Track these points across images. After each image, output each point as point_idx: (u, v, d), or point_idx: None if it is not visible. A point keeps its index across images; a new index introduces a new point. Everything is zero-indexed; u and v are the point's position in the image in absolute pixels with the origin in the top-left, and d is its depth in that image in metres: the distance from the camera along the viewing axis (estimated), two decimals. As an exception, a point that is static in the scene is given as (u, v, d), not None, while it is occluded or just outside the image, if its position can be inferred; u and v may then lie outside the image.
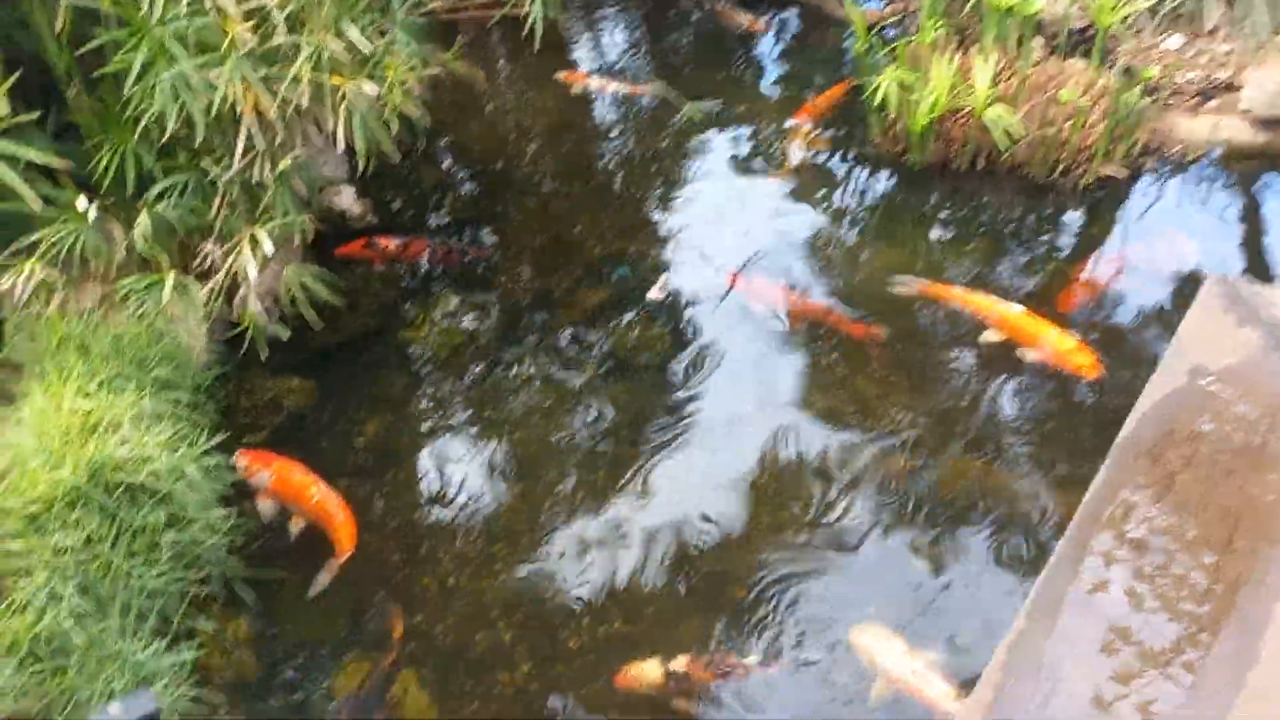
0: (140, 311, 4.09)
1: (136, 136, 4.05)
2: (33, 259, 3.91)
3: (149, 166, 4.26)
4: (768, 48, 7.48)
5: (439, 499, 4.55)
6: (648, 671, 3.69)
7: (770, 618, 4.00)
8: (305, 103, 3.83)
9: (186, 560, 3.65)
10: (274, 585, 3.97)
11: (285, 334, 4.53)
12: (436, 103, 6.89)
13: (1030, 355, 4.87)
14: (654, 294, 5.31)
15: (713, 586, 4.14)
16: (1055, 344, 4.81)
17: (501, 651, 3.97)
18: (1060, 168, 5.83)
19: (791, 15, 7.68)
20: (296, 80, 3.78)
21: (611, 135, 6.80)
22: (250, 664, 3.71)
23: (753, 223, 5.92)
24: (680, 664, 3.69)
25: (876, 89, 5.85)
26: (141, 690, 2.70)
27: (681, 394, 4.94)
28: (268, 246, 4.15)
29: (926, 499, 4.41)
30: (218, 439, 4.01)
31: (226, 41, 3.74)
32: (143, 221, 4.14)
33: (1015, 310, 5.01)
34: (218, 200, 4.24)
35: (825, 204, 6.06)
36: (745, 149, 6.53)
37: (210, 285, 4.34)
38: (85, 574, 3.29)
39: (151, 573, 3.47)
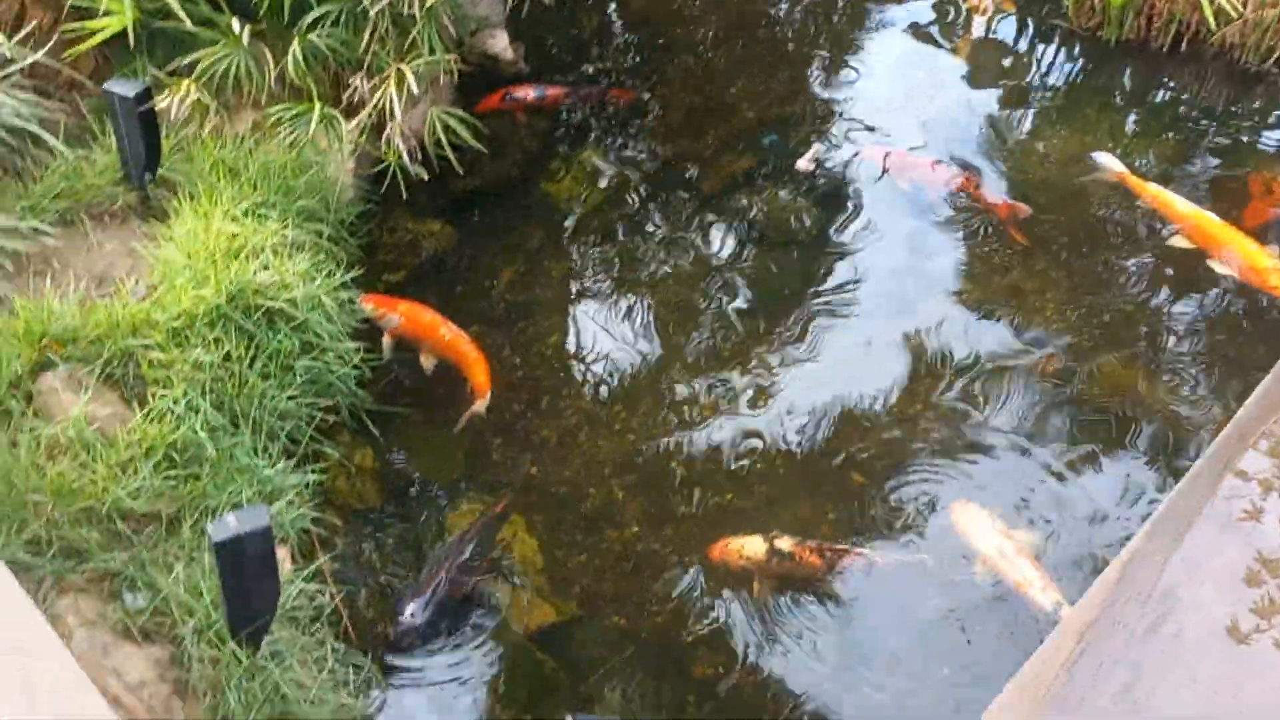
0: (289, 140, 4.12)
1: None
2: (189, 80, 3.97)
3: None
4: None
5: (566, 354, 4.54)
6: (749, 546, 3.64)
7: (889, 510, 3.88)
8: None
9: (318, 387, 3.75)
10: (399, 420, 4.05)
11: (426, 175, 4.50)
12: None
13: (1221, 269, 4.41)
14: (803, 164, 5.07)
15: (835, 471, 4.03)
16: (1253, 260, 4.34)
17: (612, 509, 3.99)
18: (1277, 54, 5.22)
19: None
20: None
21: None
22: (371, 492, 3.83)
23: (922, 95, 5.57)
24: (786, 544, 3.62)
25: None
26: (258, 505, 2.80)
27: (822, 271, 4.75)
28: (413, 84, 4.10)
29: (1072, 403, 4.16)
30: (354, 273, 4.07)
31: None
32: (295, 49, 4.14)
33: (1213, 218, 4.51)
34: (368, 32, 4.20)
35: (1006, 79, 5.64)
36: (925, 14, 6.10)
37: (357, 119, 4.35)
38: (221, 390, 3.42)
39: (284, 395, 3.59)
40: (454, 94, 5.43)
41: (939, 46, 5.95)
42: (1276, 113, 5.27)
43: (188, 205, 3.93)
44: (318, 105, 4.10)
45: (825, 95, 5.74)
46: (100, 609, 2.90)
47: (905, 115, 5.46)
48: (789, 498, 3.95)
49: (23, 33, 4.14)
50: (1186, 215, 4.56)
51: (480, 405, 4.13)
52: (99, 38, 3.95)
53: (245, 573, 2.59)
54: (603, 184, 5.23)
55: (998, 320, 4.48)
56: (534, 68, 5.79)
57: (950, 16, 6.09)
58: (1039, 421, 4.09)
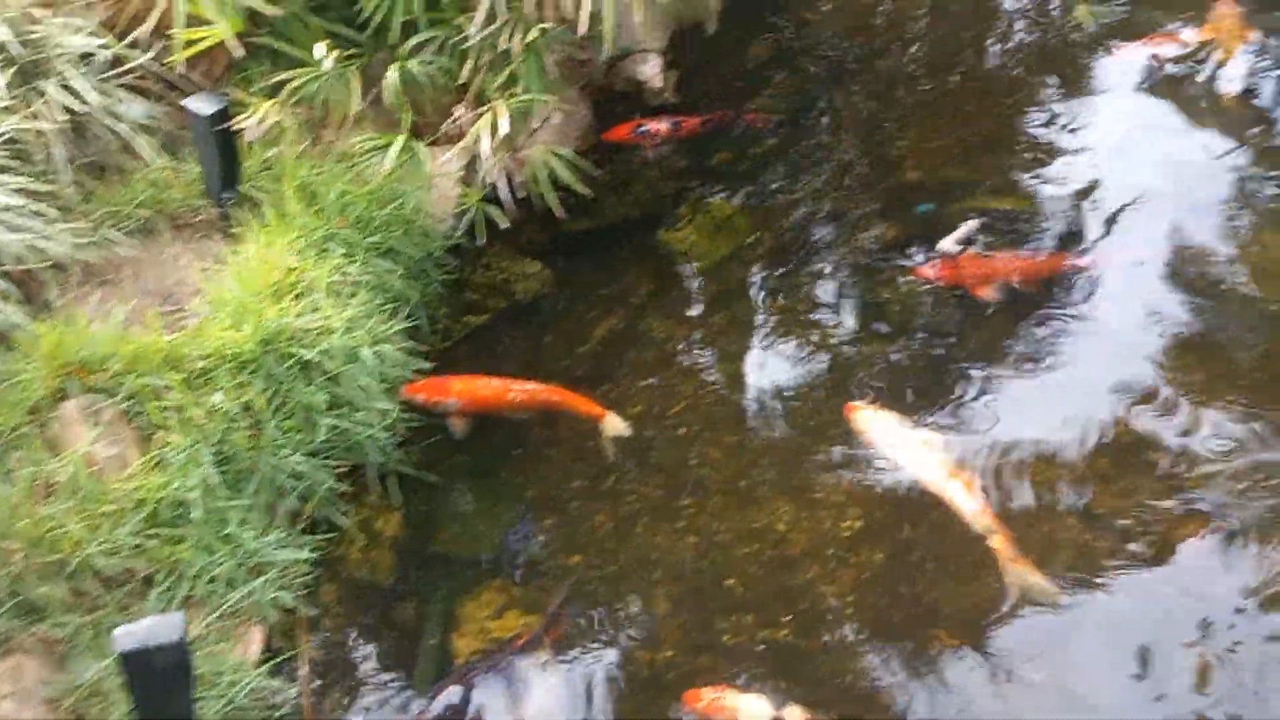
0: (370, 169, 3.89)
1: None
2: (271, 101, 3.79)
3: (416, 14, 3.97)
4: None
5: (645, 428, 4.10)
6: (746, 708, 3.10)
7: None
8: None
9: (346, 445, 3.49)
10: (435, 488, 3.75)
11: (505, 222, 4.16)
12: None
13: None
14: (946, 244, 4.41)
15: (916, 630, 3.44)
16: None
17: (650, 623, 3.55)
18: None
19: None
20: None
21: (982, 32, 5.75)
22: (385, 564, 3.54)
23: (1106, 176, 4.78)
24: (795, 714, 3.07)
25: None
26: (175, 614, 2.53)
27: (944, 375, 4.10)
28: (504, 123, 3.77)
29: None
30: (412, 322, 3.78)
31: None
32: (391, 75, 3.89)
33: None
34: (469, 64, 3.90)
35: (1223, 171, 4.75)
36: (1146, 70, 5.27)
37: (453, 150, 4.06)
38: (230, 444, 3.20)
39: (301, 453, 3.34)
40: (591, 121, 5.10)
41: (1159, 104, 5.13)
42: None
43: (256, 231, 3.75)
44: (400, 137, 3.83)
45: (1004, 160, 5.04)
46: (43, 676, 2.72)
47: (1089, 187, 4.72)
48: (851, 651, 3.40)
49: (138, 31, 4.06)
50: None
51: (611, 427, 3.87)
52: (195, 49, 3.82)
53: (153, 686, 2.34)
54: (728, 239, 4.76)
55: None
56: (685, 98, 5.38)
57: (1185, 74, 5.25)
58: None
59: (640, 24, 4.08)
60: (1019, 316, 4.23)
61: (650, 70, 5.25)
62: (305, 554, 3.22)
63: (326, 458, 3.43)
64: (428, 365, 3.86)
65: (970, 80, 5.43)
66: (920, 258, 4.45)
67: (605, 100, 5.27)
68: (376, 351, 3.49)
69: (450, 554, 3.66)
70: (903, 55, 5.63)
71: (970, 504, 3.53)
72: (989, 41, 5.67)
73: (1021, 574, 3.37)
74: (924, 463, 3.68)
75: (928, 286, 4.37)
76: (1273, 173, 4.75)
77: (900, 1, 6.01)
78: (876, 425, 3.82)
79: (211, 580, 2.98)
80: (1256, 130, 4.89)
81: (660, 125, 5.02)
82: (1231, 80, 5.11)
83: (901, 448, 3.73)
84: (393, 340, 3.62)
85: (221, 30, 3.71)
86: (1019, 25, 5.76)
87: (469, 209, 4.14)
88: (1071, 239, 4.53)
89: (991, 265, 4.30)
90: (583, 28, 3.61)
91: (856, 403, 3.93)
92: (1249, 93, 5.05)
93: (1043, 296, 4.27)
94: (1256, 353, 4.04)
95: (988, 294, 4.19)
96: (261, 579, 3.04)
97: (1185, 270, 4.36)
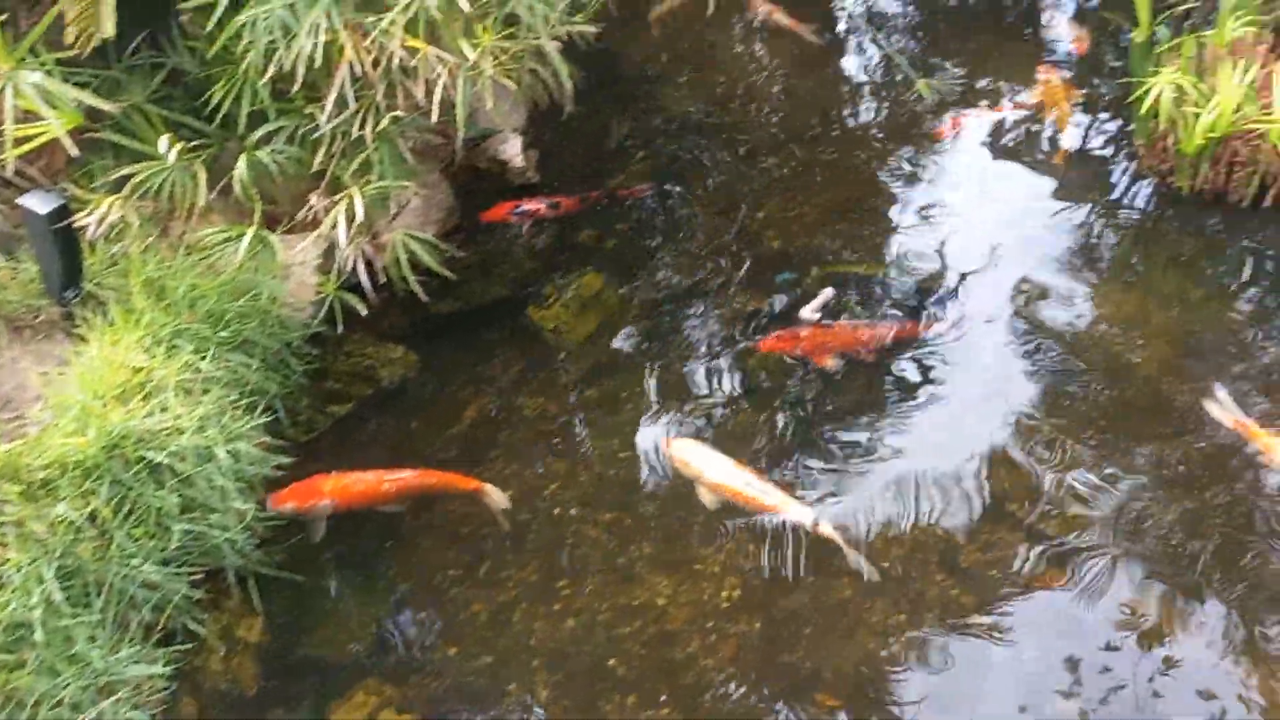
0: (220, 262, 3.78)
1: (246, 75, 3.71)
2: (114, 196, 3.67)
3: (264, 104, 3.92)
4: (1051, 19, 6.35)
5: (520, 510, 4.04)
6: None
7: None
8: (397, 62, 3.34)
9: (202, 549, 3.34)
10: (301, 588, 3.61)
11: (363, 309, 4.10)
12: (657, 41, 6.35)
13: None
14: (807, 312, 4.53)
15: (791, 689, 3.44)
16: None
17: (530, 713, 3.46)
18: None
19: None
20: (387, 34, 3.28)
21: (832, 105, 5.96)
22: (249, 673, 3.38)
23: (956, 234, 4.99)
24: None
25: (1145, 93, 4.72)
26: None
27: (810, 441, 4.16)
28: (359, 210, 3.72)
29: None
30: (265, 418, 3.65)
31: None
32: (240, 166, 3.81)
33: None
34: (321, 152, 3.85)
35: (1062, 225, 5.00)
36: (987, 134, 5.54)
37: (310, 238, 3.99)
38: (75, 556, 3.02)
39: (152, 562, 3.17)
40: (453, 202, 5.09)
41: (993, 171, 5.39)
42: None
43: (100, 330, 3.59)
44: (251, 228, 3.75)
45: (860, 228, 5.21)
46: None
47: (924, 253, 4.91)
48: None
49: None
50: None
51: (491, 498, 3.90)
52: (28, 146, 3.67)
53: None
54: (597, 314, 4.77)
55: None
56: (548, 177, 5.42)
57: (1017, 143, 5.53)
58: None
59: (494, 109, 4.12)
60: (879, 380, 4.34)
61: (512, 150, 5.28)
62: (160, 668, 3.04)
63: (181, 564, 3.27)
64: (288, 460, 3.73)
65: (824, 150, 5.61)
66: (780, 326, 4.54)
67: (468, 180, 5.28)
68: (231, 450, 3.36)
69: (319, 656, 3.52)
70: (760, 129, 5.79)
71: (785, 499, 3.77)
72: (839, 113, 5.89)
73: (855, 556, 3.62)
74: (737, 477, 3.86)
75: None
76: (1108, 226, 5.03)
77: (755, 78, 6.20)
78: (692, 454, 3.98)
79: (56, 705, 2.78)
80: (1090, 186, 5.17)
81: (539, 205, 5.06)
82: (1064, 140, 5.41)
83: (716, 469, 3.90)
84: (250, 436, 3.49)
85: (54, 128, 3.58)
86: (866, 98, 6.00)
87: (328, 297, 4.06)
88: (925, 300, 4.69)
89: (829, 335, 4.42)
90: (435, 115, 3.60)
91: (672, 437, 4.10)
92: (1082, 151, 5.35)
93: (898, 359, 4.40)
94: (1105, 399, 4.22)
95: (829, 363, 4.30)
96: (112, 699, 2.86)
97: (1033, 324, 4.55)
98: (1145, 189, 5.07)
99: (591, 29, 4.21)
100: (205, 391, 3.53)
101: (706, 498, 3.88)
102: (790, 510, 3.78)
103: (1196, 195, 4.90)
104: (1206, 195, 4.88)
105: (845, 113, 5.91)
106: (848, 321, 4.52)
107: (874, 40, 6.43)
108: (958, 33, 6.35)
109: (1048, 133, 5.49)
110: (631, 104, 5.97)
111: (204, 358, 3.60)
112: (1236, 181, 4.78)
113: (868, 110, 5.93)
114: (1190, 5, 5.50)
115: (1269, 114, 4.42)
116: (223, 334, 3.72)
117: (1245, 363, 4.25)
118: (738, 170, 5.52)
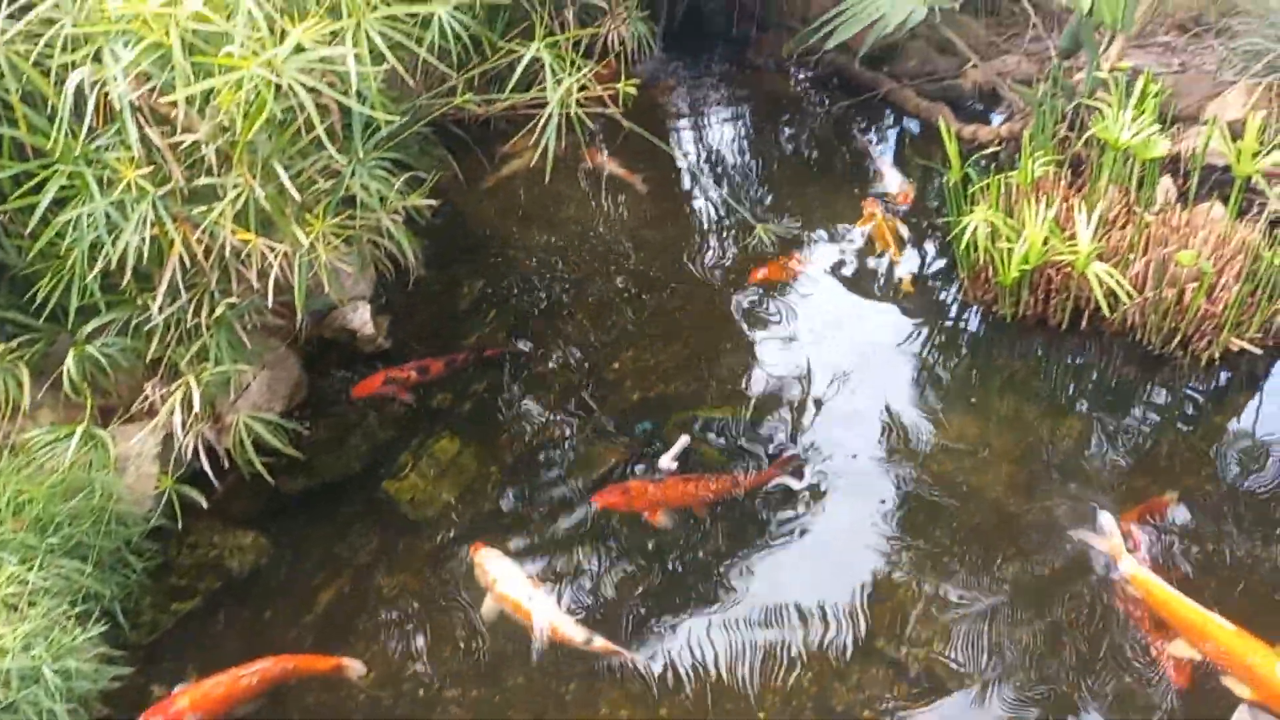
0: (50, 462, 3.61)
1: (73, 270, 3.61)
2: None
3: (94, 298, 3.82)
4: (877, 161, 6.76)
5: (381, 693, 3.88)
6: None
7: None
8: (229, 250, 3.32)
9: (30, 783, 3.08)
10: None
11: (203, 500, 3.97)
12: (507, 199, 6.48)
13: (1242, 691, 3.50)
14: (664, 462, 4.58)
15: None
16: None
17: None
18: (1179, 338, 4.85)
19: (913, 126, 7.08)
20: (216, 226, 3.27)
21: (680, 253, 6.15)
22: None
23: (806, 372, 5.15)
24: None
25: (962, 230, 5.03)
26: None
27: (674, 597, 4.15)
28: (195, 397, 3.63)
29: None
30: (100, 628, 3.44)
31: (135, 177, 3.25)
32: (69, 362, 3.68)
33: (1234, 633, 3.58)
34: (156, 340, 3.76)
35: (904, 357, 5.22)
36: (829, 270, 5.80)
37: (146, 429, 3.86)
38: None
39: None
40: (301, 375, 5.00)
41: (833, 311, 5.62)
42: (1181, 397, 4.82)
43: (-89, 549, 3.36)
44: (81, 425, 3.61)
45: (715, 371, 5.33)
46: None
47: (768, 395, 5.05)
48: None
49: None
50: (1196, 627, 3.64)
51: (351, 670, 3.85)
52: None
53: None
54: (455, 481, 4.70)
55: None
56: (400, 341, 5.40)
57: (855, 279, 5.79)
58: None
59: (333, 286, 4.11)
60: (738, 528, 4.38)
61: (360, 319, 5.26)
62: None
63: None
64: (128, 670, 3.50)
65: (674, 298, 5.76)
66: (634, 477, 4.57)
67: (318, 351, 5.23)
68: (60, 668, 3.14)
69: None
70: (610, 279, 5.92)
71: (562, 619, 3.92)
72: (686, 260, 6.07)
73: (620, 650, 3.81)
74: (523, 592, 4.02)
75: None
76: (946, 354, 5.27)
77: (603, 230, 6.38)
78: (493, 563, 4.13)
79: None
80: (926, 317, 5.43)
81: (408, 372, 5.03)
82: (899, 276, 5.69)
83: (507, 581, 4.06)
84: (82, 650, 3.27)
85: None
86: (711, 244, 6.22)
87: (188, 476, 3.91)
88: (779, 439, 4.79)
89: (658, 491, 4.43)
90: (270, 299, 3.57)
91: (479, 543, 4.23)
92: (916, 284, 5.63)
93: (758, 499, 4.46)
94: (958, 525, 4.34)
95: (660, 520, 4.33)
96: None
97: (887, 454, 4.68)
98: (975, 317, 5.35)
99: (431, 203, 4.26)
100: (32, 605, 3.32)
101: (488, 608, 4.04)
102: (565, 628, 3.89)
103: (1020, 321, 5.19)
104: (1029, 320, 5.19)
105: (692, 259, 6.10)
106: (678, 477, 4.54)
107: (716, 188, 6.73)
108: (793, 181, 6.72)
109: (883, 270, 5.78)
110: (483, 262, 6.06)
111: (31, 568, 3.39)
112: (1054, 306, 5.09)
113: (713, 255, 6.13)
114: (995, 149, 5.98)
115: (1073, 245, 4.74)
116: (52, 540, 3.52)
117: (1079, 480, 4.45)
118: (591, 322, 5.61)
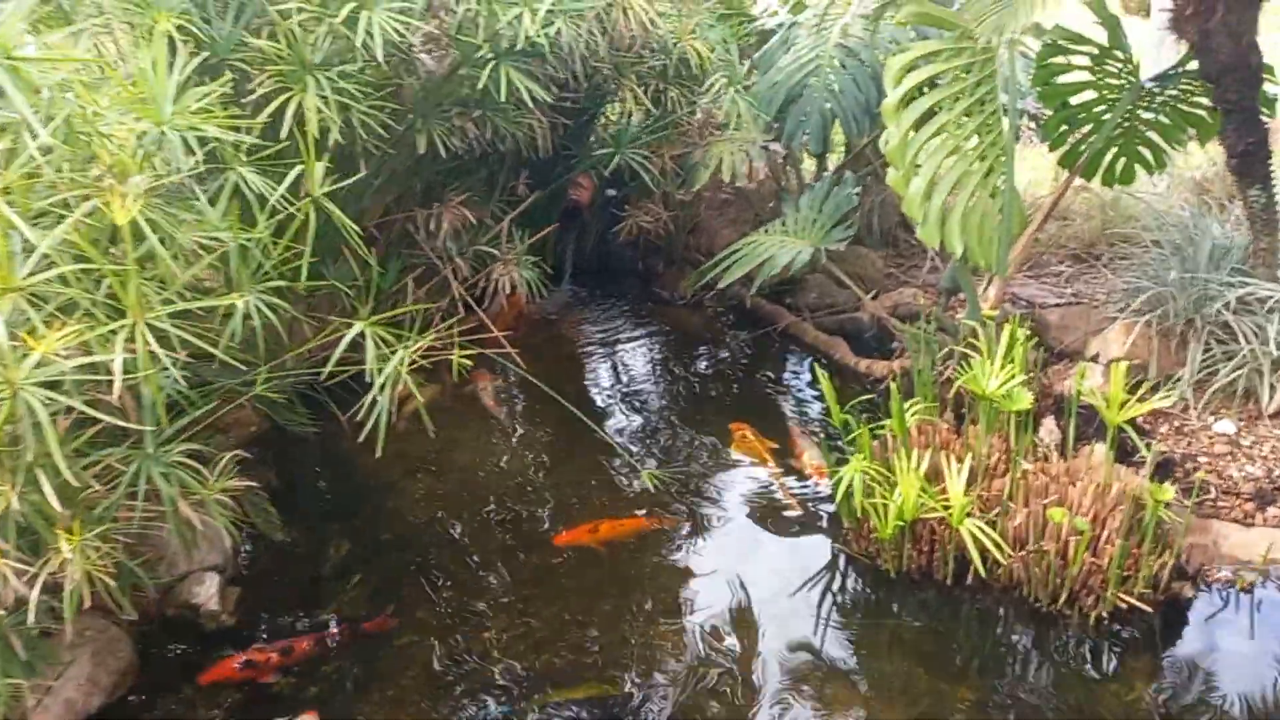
0: None
1: None
2: None
3: None
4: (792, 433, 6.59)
5: None
6: None
7: None
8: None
9: None
10: None
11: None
12: (394, 444, 6.23)
13: None
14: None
15: None
16: None
17: None
18: (1066, 594, 4.57)
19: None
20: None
21: (567, 504, 5.90)
22: None
23: (691, 636, 4.81)
24: None
25: (839, 481, 4.83)
26: None
27: None
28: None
29: None
30: None
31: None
32: None
33: None
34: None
35: (792, 621, 4.89)
36: (700, 537, 5.54)
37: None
38: None
39: None
40: (133, 658, 4.60)
41: (721, 569, 5.34)
42: (1072, 658, 4.49)
43: None
44: None
45: (595, 642, 4.96)
46: None
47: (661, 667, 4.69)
48: None
49: None
50: None
51: None
52: None
53: None
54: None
55: None
56: (250, 614, 5.02)
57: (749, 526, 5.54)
58: None
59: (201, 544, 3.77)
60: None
61: (206, 592, 4.91)
62: None
63: None
64: None
65: (555, 554, 5.47)
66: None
67: (159, 628, 4.86)
68: None
69: None
70: (490, 534, 5.65)
71: None
72: (572, 512, 5.82)
73: None
74: None
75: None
76: (834, 616, 4.96)
77: (491, 477, 6.16)
78: None
79: None
80: (814, 574, 5.15)
81: (269, 654, 4.61)
82: (785, 529, 5.45)
83: None
84: None
85: None
86: (601, 495, 5.99)
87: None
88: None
89: None
90: (31, 617, 3.26)
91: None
92: (802, 536, 5.38)
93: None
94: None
95: None
96: None
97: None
98: (864, 572, 5.07)
99: (251, 484, 4.02)
100: None
101: None
102: None
103: (905, 575, 4.92)
104: (914, 574, 4.91)
105: (578, 510, 5.85)
106: None
107: (617, 426, 6.57)
108: (691, 422, 6.56)
109: (767, 522, 5.55)
110: (356, 518, 5.78)
111: None
112: (937, 561, 4.83)
113: (600, 505, 5.89)
114: (869, 396, 5.87)
115: (945, 499, 4.53)
116: None
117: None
118: (464, 586, 5.29)
